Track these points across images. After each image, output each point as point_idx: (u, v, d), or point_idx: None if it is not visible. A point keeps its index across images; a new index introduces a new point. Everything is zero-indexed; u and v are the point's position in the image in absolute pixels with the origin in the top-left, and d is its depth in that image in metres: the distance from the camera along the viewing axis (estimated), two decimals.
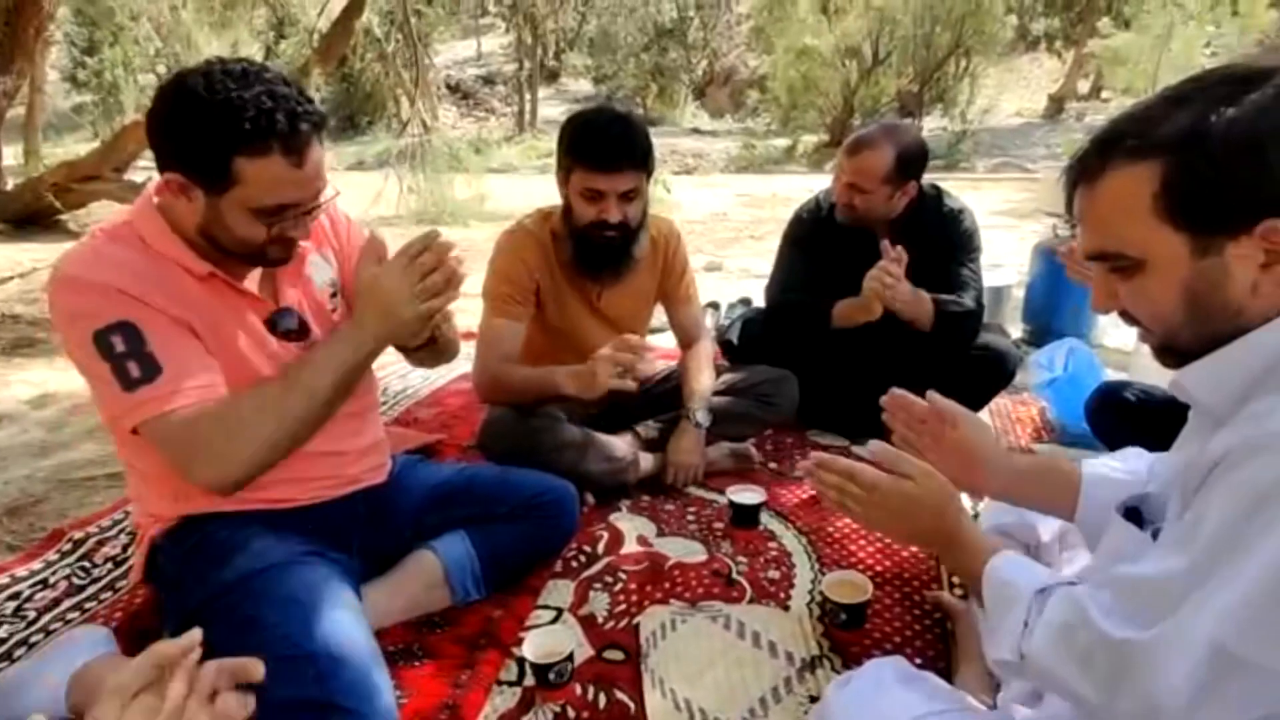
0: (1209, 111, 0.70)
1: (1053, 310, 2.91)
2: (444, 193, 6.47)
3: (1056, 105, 15.03)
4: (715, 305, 3.33)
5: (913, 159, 1.94)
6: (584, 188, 1.68)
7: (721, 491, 1.83)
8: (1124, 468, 1.04)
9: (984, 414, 2.22)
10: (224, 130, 1.04)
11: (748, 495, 1.70)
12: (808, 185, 8.30)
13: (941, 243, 2.05)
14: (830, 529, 1.73)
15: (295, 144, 1.07)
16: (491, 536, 1.46)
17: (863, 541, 1.67)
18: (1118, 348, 2.78)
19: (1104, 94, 14.41)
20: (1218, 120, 0.69)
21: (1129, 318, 0.82)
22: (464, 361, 2.68)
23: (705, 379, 1.97)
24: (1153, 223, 0.73)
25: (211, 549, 1.20)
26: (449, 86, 18.85)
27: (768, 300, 2.22)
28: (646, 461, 1.89)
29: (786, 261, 2.19)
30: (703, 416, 1.88)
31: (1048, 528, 1.22)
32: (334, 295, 1.38)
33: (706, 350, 2.05)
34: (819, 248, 2.12)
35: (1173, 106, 0.73)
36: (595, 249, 1.74)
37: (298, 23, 7.66)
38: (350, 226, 1.43)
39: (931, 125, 13.61)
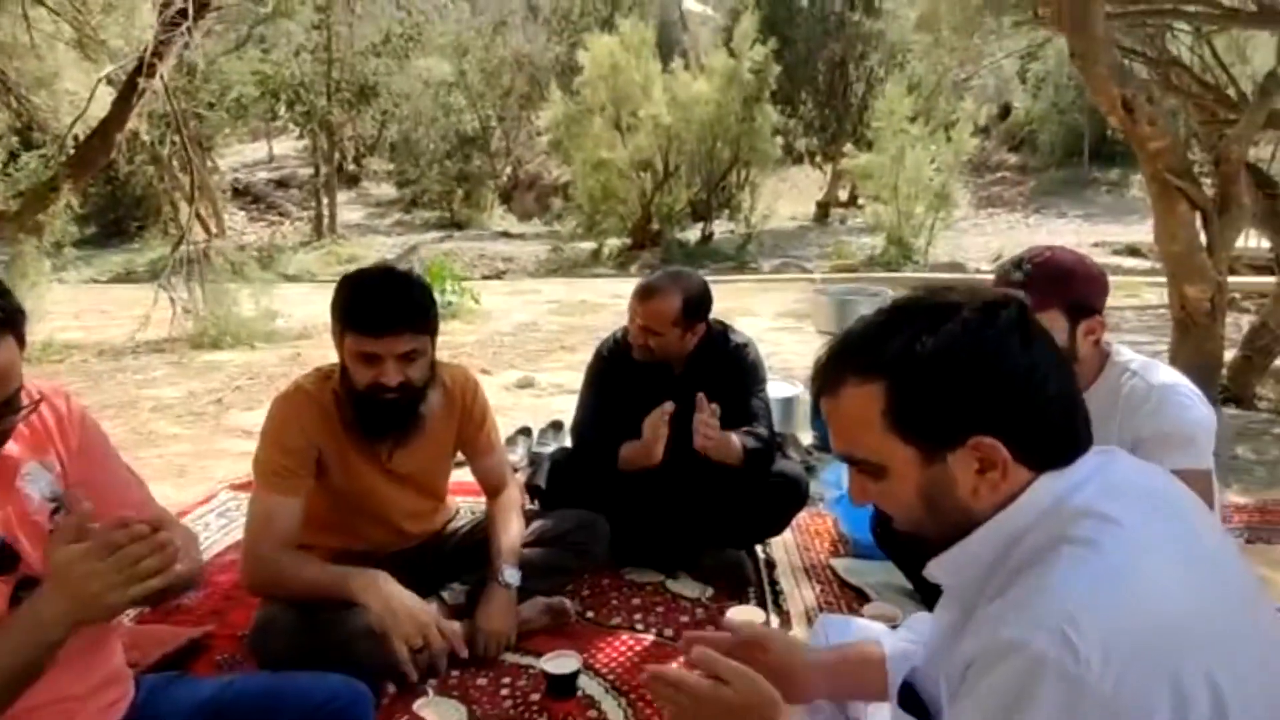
0: (914, 341, 0.80)
1: None
2: (228, 311, 5.94)
3: (823, 210, 17.07)
4: (527, 431, 3.27)
5: (698, 303, 2.06)
6: (358, 351, 1.60)
7: (538, 655, 1.73)
8: (913, 637, 1.10)
9: (786, 532, 2.30)
10: None
11: (562, 663, 1.61)
12: (614, 290, 8.61)
13: (731, 376, 2.17)
14: None
15: None
16: None
17: None
18: None
19: (860, 201, 16.56)
20: (921, 349, 0.79)
21: (885, 512, 0.89)
22: (236, 529, 2.40)
23: (514, 531, 1.89)
24: (885, 436, 0.82)
25: None
26: (237, 189, 17.83)
27: (573, 441, 2.21)
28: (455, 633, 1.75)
29: (589, 400, 2.21)
30: (512, 576, 1.79)
31: None
32: (57, 511, 1.16)
33: (514, 497, 1.98)
34: (620, 384, 2.16)
35: (888, 332, 0.83)
36: (376, 411, 1.64)
37: (48, 129, 6.88)
38: (82, 422, 1.23)
39: (721, 229, 14.85)
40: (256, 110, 17.41)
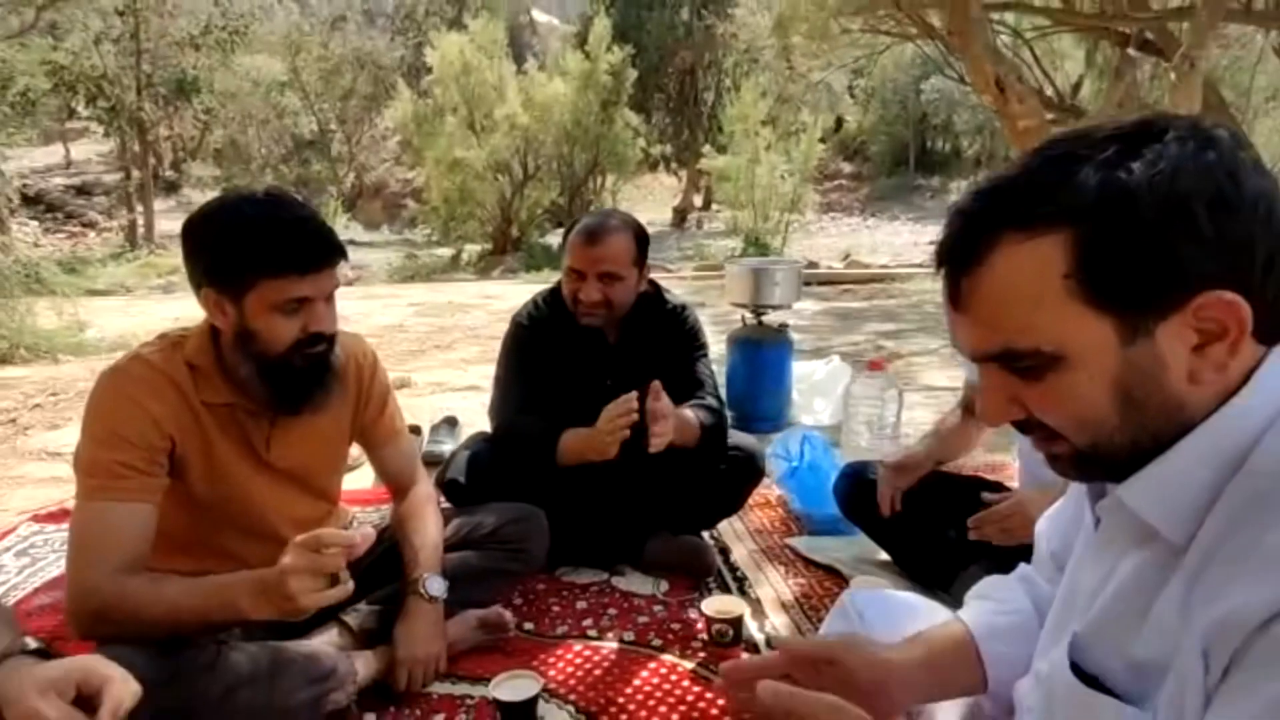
0: (1116, 169, 0.58)
1: (753, 396, 3.01)
2: (21, 322, 4.98)
3: (680, 215, 17.39)
4: (417, 430, 2.85)
5: (646, 237, 1.85)
6: (283, 300, 1.23)
7: (477, 680, 1.40)
8: (1003, 607, 0.88)
9: (738, 515, 2.08)
10: None
11: (517, 686, 1.29)
12: (483, 291, 8.15)
13: (672, 341, 1.93)
14: (619, 699, 1.39)
15: None
16: None
17: (663, 708, 1.36)
18: (815, 426, 2.94)
19: (714, 205, 16.99)
20: (1133, 178, 0.57)
21: (1032, 428, 0.66)
22: (43, 568, 1.87)
23: (432, 531, 1.53)
24: (1067, 307, 0.59)
25: None
26: (26, 197, 15.58)
27: (495, 426, 1.87)
28: (367, 665, 1.37)
29: (511, 377, 1.87)
30: (437, 587, 1.43)
31: None
32: None
33: (427, 492, 1.62)
34: (547, 356, 1.85)
35: (1065, 167, 0.60)
36: (298, 374, 1.29)
37: None
38: None
39: None
40: (48, 106, 15.33)
